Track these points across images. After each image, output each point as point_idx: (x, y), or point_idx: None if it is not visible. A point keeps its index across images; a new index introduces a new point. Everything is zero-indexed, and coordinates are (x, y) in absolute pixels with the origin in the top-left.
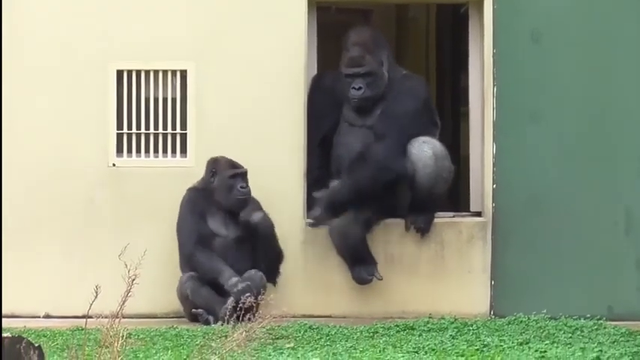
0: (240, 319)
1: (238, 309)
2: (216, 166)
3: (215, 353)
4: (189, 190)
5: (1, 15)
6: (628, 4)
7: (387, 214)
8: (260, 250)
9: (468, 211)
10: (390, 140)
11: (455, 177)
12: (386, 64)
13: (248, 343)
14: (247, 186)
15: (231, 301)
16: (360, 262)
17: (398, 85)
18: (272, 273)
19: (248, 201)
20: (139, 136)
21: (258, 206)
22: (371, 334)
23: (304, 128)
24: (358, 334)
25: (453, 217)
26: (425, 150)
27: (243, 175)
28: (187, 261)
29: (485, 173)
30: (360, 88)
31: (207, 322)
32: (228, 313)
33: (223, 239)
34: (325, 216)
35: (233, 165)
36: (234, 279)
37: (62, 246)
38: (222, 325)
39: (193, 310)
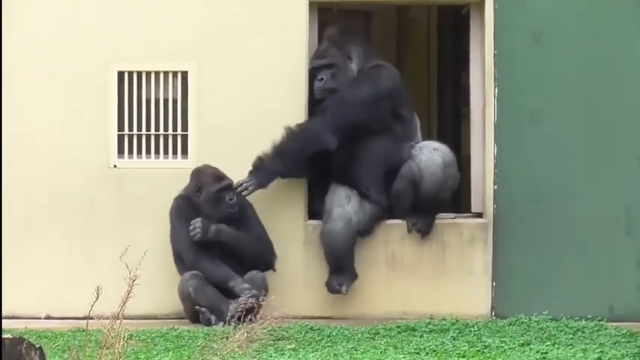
0: (242, 320)
1: (240, 310)
2: (200, 179)
3: (216, 354)
4: (176, 198)
5: (1, 16)
6: (628, 4)
7: (387, 216)
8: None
9: (470, 212)
10: (327, 116)
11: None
12: (357, 60)
13: (249, 344)
14: (234, 197)
15: (239, 303)
16: (337, 272)
17: (361, 74)
18: (269, 261)
19: (237, 213)
20: (140, 137)
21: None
22: (372, 335)
23: None
24: (359, 335)
25: (455, 218)
26: (435, 158)
27: (229, 187)
28: (192, 268)
29: (487, 174)
30: (322, 79)
31: (208, 322)
32: (236, 316)
33: (217, 243)
34: (255, 181)
35: (218, 177)
36: (247, 284)
37: (63, 247)
38: (224, 325)
39: (196, 307)
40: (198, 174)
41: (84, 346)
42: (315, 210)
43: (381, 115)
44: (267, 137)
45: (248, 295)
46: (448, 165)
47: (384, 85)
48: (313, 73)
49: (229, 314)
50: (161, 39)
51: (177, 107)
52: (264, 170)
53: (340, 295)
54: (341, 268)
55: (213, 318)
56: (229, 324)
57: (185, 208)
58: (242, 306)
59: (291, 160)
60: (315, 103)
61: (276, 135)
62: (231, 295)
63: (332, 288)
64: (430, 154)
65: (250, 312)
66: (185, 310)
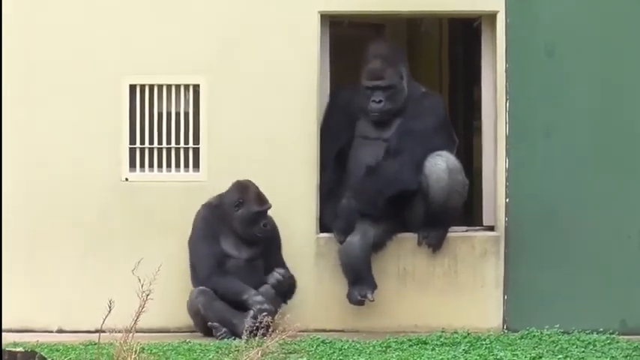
0: (254, 334)
1: (255, 329)
2: (244, 195)
3: None
4: (204, 206)
5: (1, 20)
6: None
7: (400, 229)
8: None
9: (481, 225)
10: (404, 156)
11: (468, 191)
12: (405, 78)
13: (261, 357)
14: (268, 224)
15: (251, 316)
16: (357, 283)
17: (417, 103)
18: (292, 292)
19: (265, 239)
20: (151, 150)
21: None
22: (384, 348)
23: (317, 142)
24: (371, 348)
25: (466, 231)
26: (439, 163)
27: (267, 211)
28: (204, 283)
29: (498, 187)
30: (380, 101)
31: (222, 337)
32: (248, 329)
33: (235, 260)
34: (339, 232)
35: (261, 200)
36: (260, 297)
37: (75, 260)
38: (230, 337)
39: (209, 323)
40: (243, 189)
41: None
42: (326, 224)
43: (440, 142)
44: (279, 150)
45: (259, 308)
46: (453, 171)
47: (442, 114)
48: (365, 91)
49: (245, 328)
50: (172, 52)
51: (188, 120)
52: (347, 219)
53: (351, 309)
54: (361, 279)
55: (223, 331)
56: (244, 338)
57: (211, 219)
58: (256, 320)
59: (373, 205)
60: (336, 113)
61: (289, 148)
62: (244, 308)
63: (354, 298)
64: (433, 160)
65: (265, 325)
66: (196, 325)
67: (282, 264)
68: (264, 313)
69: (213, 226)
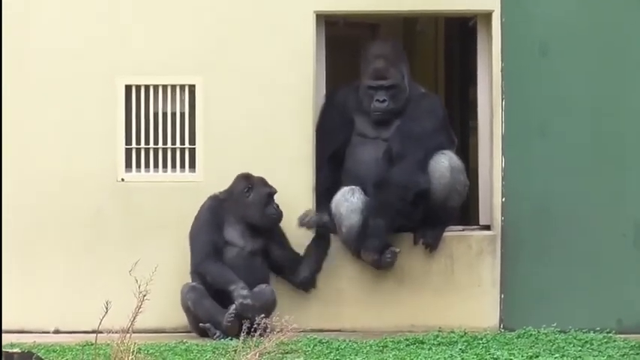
0: (250, 333)
1: (253, 330)
2: (251, 182)
3: None
4: (211, 198)
5: (0, 29)
6: (636, 16)
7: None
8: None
9: (478, 224)
10: (409, 160)
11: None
12: (406, 77)
13: (258, 358)
14: (278, 206)
15: (233, 309)
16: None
17: (416, 103)
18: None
19: (278, 222)
20: (147, 151)
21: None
22: (380, 348)
23: (313, 142)
24: (368, 348)
25: (463, 230)
26: (442, 161)
27: (274, 194)
28: (196, 268)
29: (494, 187)
30: (384, 100)
31: (219, 337)
32: (230, 321)
33: (239, 250)
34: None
35: (267, 184)
36: (246, 291)
37: (71, 261)
38: (226, 337)
39: (201, 324)
40: (249, 177)
41: None
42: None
43: (439, 143)
44: (275, 150)
45: (241, 302)
46: (455, 170)
47: (441, 115)
48: (367, 91)
49: (224, 322)
50: (168, 52)
51: (184, 121)
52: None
53: (348, 308)
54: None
55: (218, 333)
56: (226, 334)
57: (217, 208)
58: (233, 313)
59: (399, 213)
60: (332, 113)
61: (285, 148)
62: (231, 299)
63: (366, 254)
64: (437, 158)
65: (249, 320)
66: (189, 321)
67: (291, 250)
68: (262, 316)
69: (217, 216)
